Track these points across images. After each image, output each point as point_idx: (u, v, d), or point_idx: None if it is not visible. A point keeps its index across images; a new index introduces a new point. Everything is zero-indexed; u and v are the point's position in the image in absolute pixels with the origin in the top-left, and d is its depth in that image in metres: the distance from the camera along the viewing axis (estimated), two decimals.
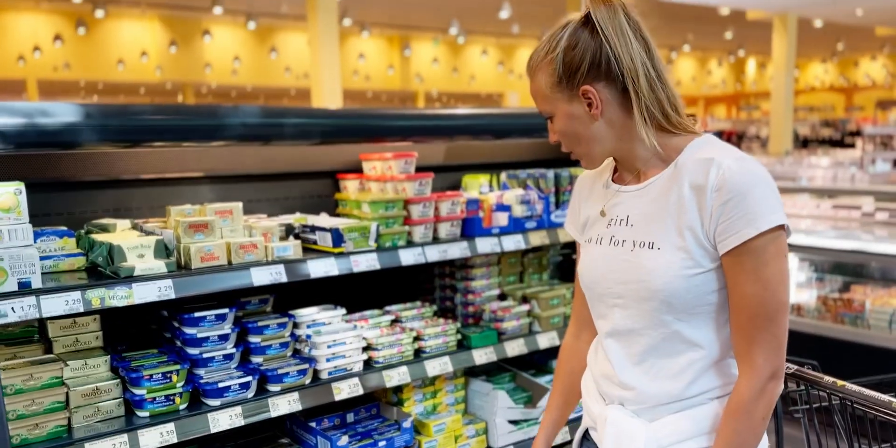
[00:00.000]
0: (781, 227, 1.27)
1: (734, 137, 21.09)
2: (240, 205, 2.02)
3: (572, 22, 1.35)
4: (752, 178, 1.27)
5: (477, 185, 2.76)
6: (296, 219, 2.26)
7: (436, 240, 2.32)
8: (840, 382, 1.78)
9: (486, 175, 2.77)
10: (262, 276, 1.89)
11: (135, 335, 2.16)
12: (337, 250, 2.05)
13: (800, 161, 10.96)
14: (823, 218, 5.54)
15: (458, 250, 2.30)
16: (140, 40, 18.64)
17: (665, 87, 1.34)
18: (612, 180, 1.47)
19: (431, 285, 2.67)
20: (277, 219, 2.19)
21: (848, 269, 5.01)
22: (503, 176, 2.76)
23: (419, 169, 2.52)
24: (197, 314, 1.91)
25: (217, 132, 1.96)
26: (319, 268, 1.99)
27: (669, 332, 1.35)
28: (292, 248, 1.99)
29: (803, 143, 18.05)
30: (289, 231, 2.11)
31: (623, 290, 1.38)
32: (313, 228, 2.11)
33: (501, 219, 2.45)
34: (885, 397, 1.69)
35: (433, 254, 2.23)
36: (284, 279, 1.92)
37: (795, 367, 1.91)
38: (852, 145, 16.57)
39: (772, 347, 1.29)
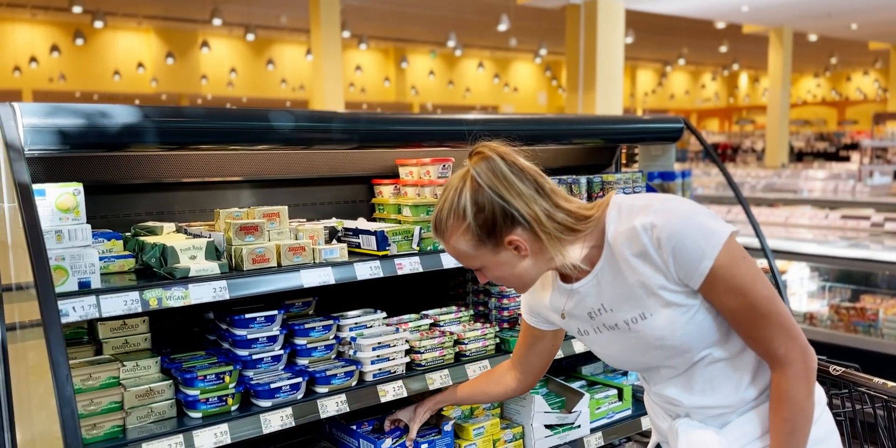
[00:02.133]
0: (727, 236, 1.33)
1: (729, 150, 21.25)
2: (286, 208, 2.03)
3: (464, 185, 1.38)
4: (675, 221, 1.33)
5: None
6: (336, 223, 2.26)
7: None
8: (891, 383, 1.79)
9: None
10: (311, 278, 1.90)
11: (178, 338, 2.16)
12: (381, 253, 2.05)
13: (797, 174, 11.05)
14: (833, 228, 5.59)
15: None
16: (137, 52, 18.67)
17: (559, 210, 1.40)
18: (562, 281, 1.53)
19: (463, 291, 2.67)
20: (320, 223, 2.20)
21: (858, 279, 5.06)
22: None
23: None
24: (248, 315, 1.91)
25: (267, 135, 1.97)
26: (365, 270, 2.00)
27: (705, 362, 1.43)
28: (338, 250, 1.99)
29: (798, 157, 18.21)
30: (332, 234, 2.12)
31: (651, 360, 1.47)
32: (357, 231, 2.12)
33: None
34: None
35: None
36: (332, 281, 1.93)
37: (843, 369, 1.92)
38: (847, 158, 16.71)
39: (784, 335, 1.36)
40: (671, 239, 1.32)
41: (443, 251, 2.19)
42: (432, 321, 2.33)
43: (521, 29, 16.52)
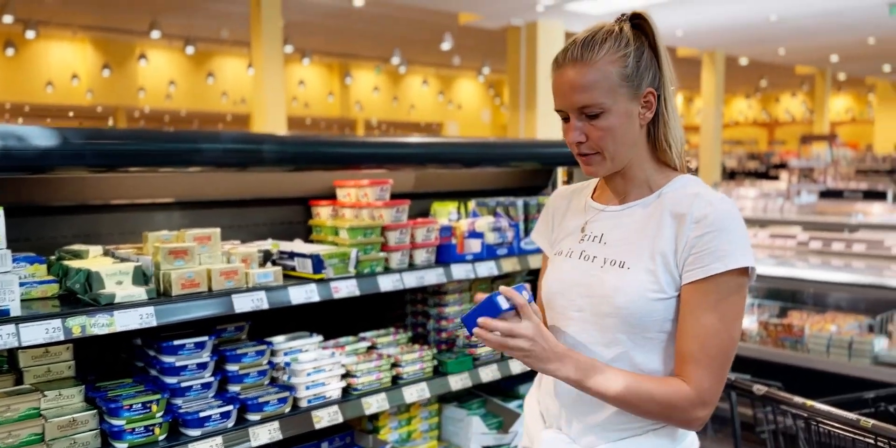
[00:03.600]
0: (746, 271, 1.32)
1: None
2: (218, 231, 2.00)
3: (626, 27, 1.37)
4: (732, 219, 1.33)
5: (446, 213, 2.79)
6: (271, 245, 2.24)
7: (411, 266, 2.33)
8: (809, 403, 1.86)
9: (454, 202, 2.80)
10: (243, 303, 1.87)
11: (105, 365, 2.09)
12: (317, 277, 2.04)
13: (729, 192, 11.43)
14: (761, 246, 5.78)
15: (434, 276, 2.32)
16: (71, 63, 18.15)
17: (675, 116, 1.41)
18: (592, 199, 1.52)
19: (402, 311, 2.67)
20: (254, 245, 2.17)
21: (786, 295, 5.23)
22: (472, 204, 2.80)
23: (390, 196, 2.54)
24: (176, 342, 1.86)
25: (195, 157, 1.94)
26: (300, 294, 1.98)
27: (620, 353, 1.37)
28: (273, 274, 1.97)
29: (730, 175, 18.82)
30: (266, 257, 2.09)
31: (585, 304, 1.40)
32: (292, 254, 2.10)
33: (474, 245, 2.48)
34: (853, 416, 1.78)
35: (411, 280, 2.25)
36: (266, 306, 1.90)
37: (766, 388, 1.98)
38: (776, 177, 17.36)
39: (717, 378, 1.31)
40: (714, 224, 1.31)
41: (380, 274, 2.19)
42: (370, 344, 2.32)
43: (464, 48, 16.69)
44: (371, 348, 2.32)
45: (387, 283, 2.18)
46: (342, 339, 2.31)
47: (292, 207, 2.53)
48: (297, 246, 2.24)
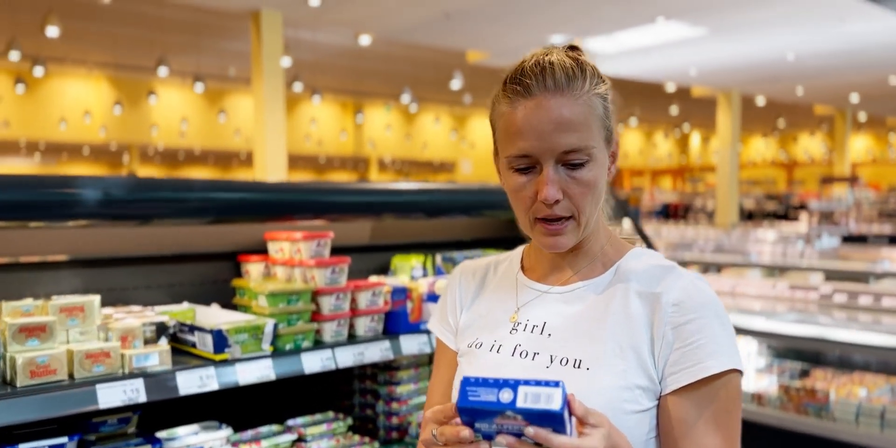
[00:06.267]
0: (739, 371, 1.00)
1: (681, 209, 21.36)
2: (96, 299, 1.61)
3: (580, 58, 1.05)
4: (717, 301, 1.01)
5: (408, 268, 2.39)
6: (177, 312, 1.84)
7: (352, 338, 1.92)
8: None
9: (420, 256, 2.40)
10: (111, 396, 1.46)
11: None
12: (218, 357, 1.63)
13: (746, 234, 10.97)
14: (781, 299, 5.31)
15: (377, 352, 1.90)
16: (84, 99, 18.22)
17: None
18: (524, 275, 1.14)
19: (349, 388, 2.25)
20: (148, 315, 1.76)
21: (808, 355, 4.75)
22: (438, 258, 2.40)
23: (339, 250, 2.14)
24: (23, 446, 1.46)
25: (69, 210, 1.57)
26: (191, 382, 1.57)
27: None
28: (158, 355, 1.57)
29: (749, 216, 18.32)
30: (161, 331, 1.69)
31: None
32: (192, 328, 1.70)
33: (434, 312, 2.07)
34: None
35: (346, 357, 1.83)
36: (143, 398, 1.50)
37: None
38: (796, 219, 16.85)
39: None
40: (699, 308, 0.98)
41: (306, 350, 1.78)
42: (296, 436, 1.89)
43: (475, 86, 16.51)
44: (298, 441, 1.89)
45: (314, 363, 1.77)
46: (263, 430, 1.89)
47: (219, 263, 2.14)
48: (209, 314, 1.85)
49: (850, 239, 9.33)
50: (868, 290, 5.16)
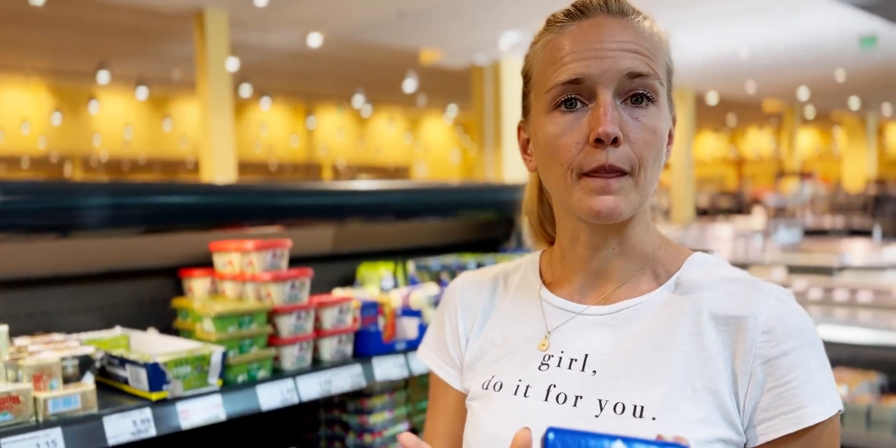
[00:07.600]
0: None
1: None
2: (3, 329, 1.31)
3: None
4: (811, 326, 0.78)
5: (377, 278, 2.12)
6: (107, 341, 1.54)
7: (317, 364, 1.65)
8: None
9: (389, 264, 2.14)
10: None
11: None
12: (155, 396, 1.34)
13: (704, 230, 10.96)
14: None
15: (347, 379, 1.63)
16: (21, 108, 17.45)
17: None
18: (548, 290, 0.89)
19: (314, 418, 1.97)
20: (71, 346, 1.45)
21: None
22: (411, 266, 2.14)
23: (298, 260, 1.87)
24: None
25: None
26: (123, 428, 1.28)
27: None
28: (80, 397, 1.27)
29: (702, 214, 18.48)
30: (85, 366, 1.39)
31: None
32: (123, 361, 1.40)
33: (409, 329, 1.81)
34: None
35: (311, 388, 1.56)
36: None
37: None
38: (750, 214, 17.05)
39: None
40: (797, 336, 0.75)
41: (263, 381, 1.50)
42: None
43: (428, 88, 16.29)
44: None
45: (272, 397, 1.49)
46: None
47: (156, 280, 1.84)
48: (146, 341, 1.56)
49: (810, 233, 9.38)
50: (836, 283, 5.10)
